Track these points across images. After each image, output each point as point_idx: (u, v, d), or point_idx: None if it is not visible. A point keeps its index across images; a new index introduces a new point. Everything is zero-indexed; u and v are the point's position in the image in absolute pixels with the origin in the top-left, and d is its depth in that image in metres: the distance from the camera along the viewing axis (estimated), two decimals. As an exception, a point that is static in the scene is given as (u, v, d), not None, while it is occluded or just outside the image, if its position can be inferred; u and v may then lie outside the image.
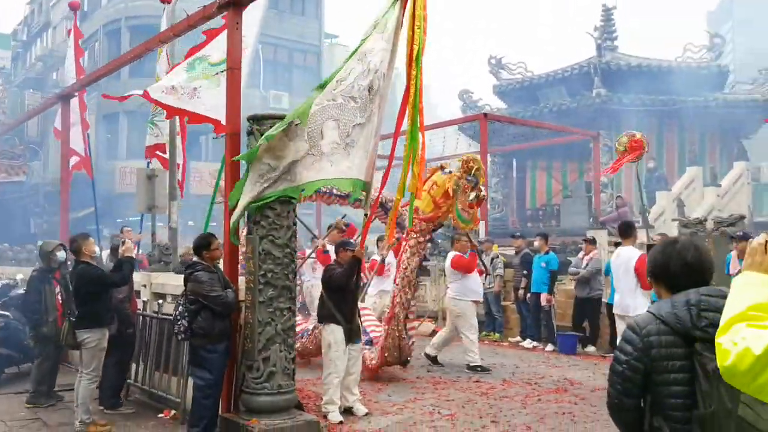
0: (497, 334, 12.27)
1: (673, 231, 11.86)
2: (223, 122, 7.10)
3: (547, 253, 11.44)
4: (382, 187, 7.00)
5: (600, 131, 17.81)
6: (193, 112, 7.86)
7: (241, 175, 6.33)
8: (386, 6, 6.02)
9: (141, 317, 7.47)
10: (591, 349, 10.86)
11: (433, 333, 11.16)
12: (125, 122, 29.52)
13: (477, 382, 8.02)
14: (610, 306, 10.69)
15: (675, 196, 16.81)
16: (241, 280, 6.28)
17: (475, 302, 9.56)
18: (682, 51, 21.93)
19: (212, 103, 7.48)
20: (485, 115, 14.90)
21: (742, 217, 11.22)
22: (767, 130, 22.02)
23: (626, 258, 7.89)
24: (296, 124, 5.73)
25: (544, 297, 11.08)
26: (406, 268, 7.91)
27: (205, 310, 5.75)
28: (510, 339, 11.88)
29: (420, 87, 5.82)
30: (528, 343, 11.46)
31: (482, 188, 8.27)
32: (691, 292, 2.27)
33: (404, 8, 5.86)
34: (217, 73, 7.54)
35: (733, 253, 9.50)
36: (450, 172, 7.94)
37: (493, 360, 9.66)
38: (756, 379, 1.65)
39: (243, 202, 5.76)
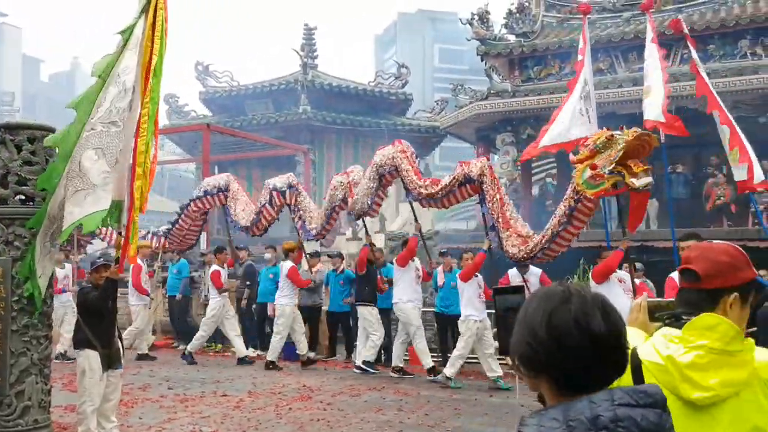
0: (219, 345, 12.40)
1: (379, 243, 13.20)
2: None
3: (274, 265, 11.92)
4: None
5: (308, 146, 18.87)
6: None
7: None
8: (132, 20, 5.95)
9: None
10: (311, 354, 11.59)
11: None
12: None
13: (224, 396, 8.14)
14: (329, 313, 11.66)
15: (374, 210, 18.51)
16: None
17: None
18: (374, 76, 24.33)
19: None
20: (208, 125, 14.94)
21: (437, 232, 12.98)
22: (437, 152, 25.28)
23: None
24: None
25: (270, 307, 11.50)
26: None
27: None
28: (232, 349, 12.04)
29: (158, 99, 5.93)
30: (252, 351, 11.78)
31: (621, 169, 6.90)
32: (600, 400, 1.27)
33: (147, 19, 5.88)
34: None
35: (440, 268, 10.78)
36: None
37: (229, 372, 9.83)
38: None
39: (42, 281, 5.33)
